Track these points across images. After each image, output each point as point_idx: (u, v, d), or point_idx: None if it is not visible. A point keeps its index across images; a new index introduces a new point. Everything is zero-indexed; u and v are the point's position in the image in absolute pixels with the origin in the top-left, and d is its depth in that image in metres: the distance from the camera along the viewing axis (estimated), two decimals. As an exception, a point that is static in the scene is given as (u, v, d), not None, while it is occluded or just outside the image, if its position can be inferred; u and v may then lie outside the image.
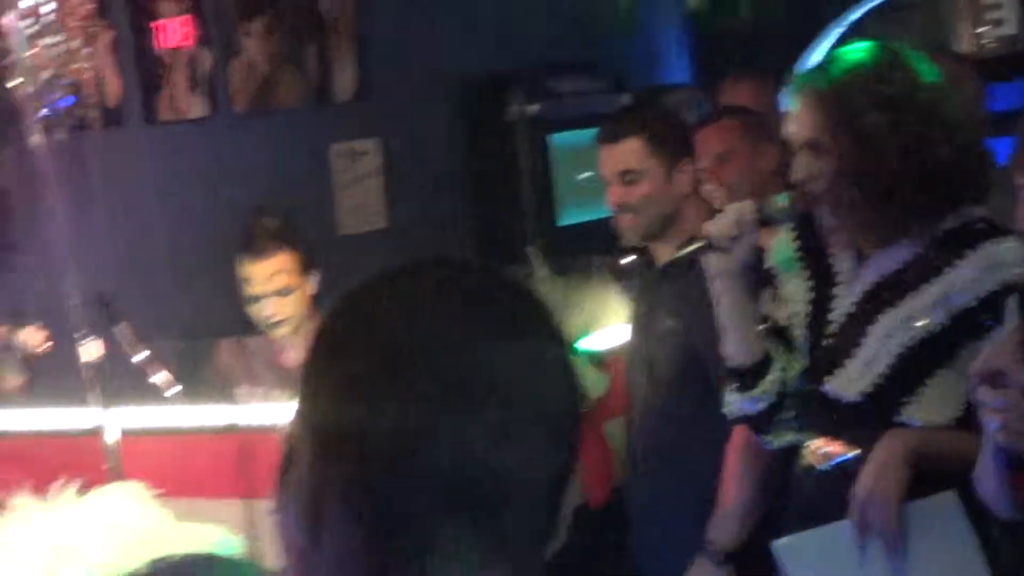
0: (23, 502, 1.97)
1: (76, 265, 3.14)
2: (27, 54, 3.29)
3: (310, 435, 1.05)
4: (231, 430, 3.38)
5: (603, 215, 3.16)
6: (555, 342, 1.06)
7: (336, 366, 1.05)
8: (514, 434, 1.00)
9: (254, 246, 3.62)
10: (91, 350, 3.13)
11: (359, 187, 5.18)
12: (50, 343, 3.90)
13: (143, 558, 1.80)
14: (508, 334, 1.04)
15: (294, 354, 3.63)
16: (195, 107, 4.87)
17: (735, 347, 2.37)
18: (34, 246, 4.02)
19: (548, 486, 1.03)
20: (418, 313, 1.04)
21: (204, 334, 4.05)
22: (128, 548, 2.06)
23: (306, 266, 3.65)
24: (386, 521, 1.01)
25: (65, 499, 2.04)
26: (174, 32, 4.75)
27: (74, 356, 3.31)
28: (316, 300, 3.68)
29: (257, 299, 3.61)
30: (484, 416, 1.00)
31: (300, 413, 1.09)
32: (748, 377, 2.35)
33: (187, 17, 4.75)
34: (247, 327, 3.77)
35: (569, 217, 5.41)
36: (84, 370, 3.14)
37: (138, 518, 2.12)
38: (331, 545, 1.03)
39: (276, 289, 3.60)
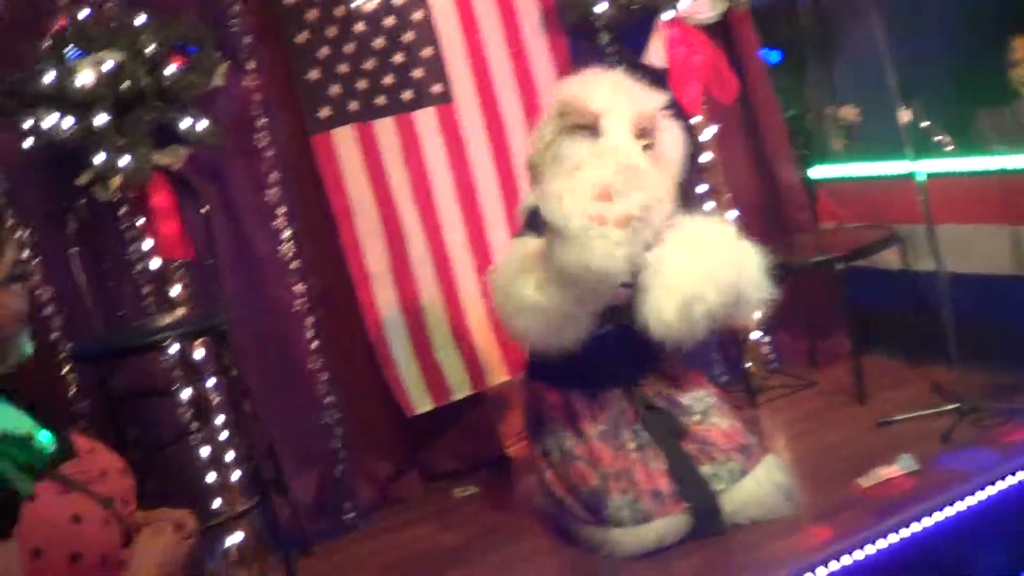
0: None
1: (887, 60, 3.92)
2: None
3: None
4: (1001, 173, 4.27)
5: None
6: None
7: None
8: None
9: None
10: (903, 116, 4.00)
11: None
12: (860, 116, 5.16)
13: None
14: None
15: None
16: None
17: None
18: (851, 46, 5.20)
19: None
20: None
21: (970, 105, 5.05)
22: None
23: None
24: None
25: None
26: None
27: (881, 123, 4.27)
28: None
29: (1018, 63, 4.63)
30: None
31: None
32: None
33: None
34: (999, 99, 4.71)
35: None
36: (901, 130, 3.97)
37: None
38: None
39: None
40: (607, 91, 3.37)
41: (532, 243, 3.33)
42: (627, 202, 3.12)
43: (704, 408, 3.51)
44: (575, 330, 3.25)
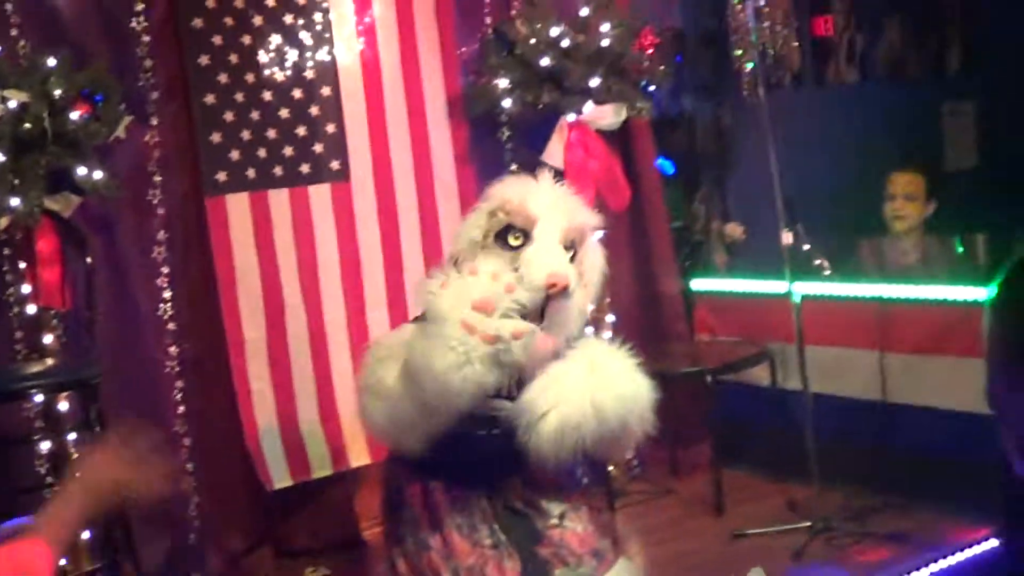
0: None
1: (776, 183, 4.15)
2: (754, 35, 4.53)
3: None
4: (874, 300, 4.45)
5: None
6: None
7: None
8: None
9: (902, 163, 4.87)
10: (786, 238, 4.23)
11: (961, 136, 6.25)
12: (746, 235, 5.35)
13: None
14: None
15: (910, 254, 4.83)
16: (851, 75, 6.42)
17: None
18: (743, 167, 5.42)
19: None
20: None
21: (850, 233, 5.25)
22: None
23: (928, 191, 4.89)
24: None
25: None
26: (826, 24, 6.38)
27: (764, 243, 4.49)
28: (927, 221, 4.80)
29: (893, 198, 4.89)
30: None
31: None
32: None
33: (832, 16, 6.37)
34: (879, 230, 4.94)
35: None
36: (783, 251, 4.19)
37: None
38: None
39: (906, 193, 4.87)
40: (547, 199, 3.38)
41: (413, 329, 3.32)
42: (502, 323, 3.10)
43: (562, 511, 3.51)
44: (416, 434, 3.25)
